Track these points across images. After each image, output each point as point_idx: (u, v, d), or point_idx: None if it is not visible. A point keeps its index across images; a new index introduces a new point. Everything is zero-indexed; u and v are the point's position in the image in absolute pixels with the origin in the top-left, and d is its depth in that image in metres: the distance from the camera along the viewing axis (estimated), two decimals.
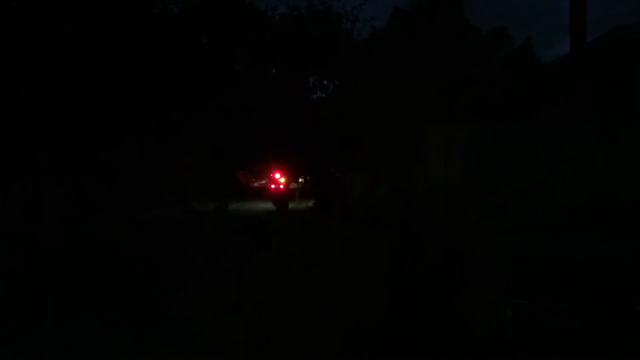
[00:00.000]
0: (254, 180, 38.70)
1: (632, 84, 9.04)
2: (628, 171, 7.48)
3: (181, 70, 15.77)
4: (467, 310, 6.74)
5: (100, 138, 13.03)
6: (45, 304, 7.19)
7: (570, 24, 10.37)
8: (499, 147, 7.93)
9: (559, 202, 7.51)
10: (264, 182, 35.43)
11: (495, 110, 9.93)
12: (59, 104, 12.11)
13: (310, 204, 24.40)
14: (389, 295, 7.65)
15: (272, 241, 10.87)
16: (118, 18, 13.37)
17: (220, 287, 8.14)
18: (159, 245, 11.20)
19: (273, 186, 28.22)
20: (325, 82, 22.21)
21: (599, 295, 6.19)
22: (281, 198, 25.80)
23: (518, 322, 5.99)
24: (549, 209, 7.53)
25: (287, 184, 28.19)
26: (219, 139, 17.55)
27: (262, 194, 31.83)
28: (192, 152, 17.17)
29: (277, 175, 28.07)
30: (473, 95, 11.43)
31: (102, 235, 12.30)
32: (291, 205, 27.08)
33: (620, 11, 66.09)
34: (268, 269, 9.27)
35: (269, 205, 25.63)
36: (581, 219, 7.36)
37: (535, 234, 7.18)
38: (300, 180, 35.80)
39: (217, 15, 17.82)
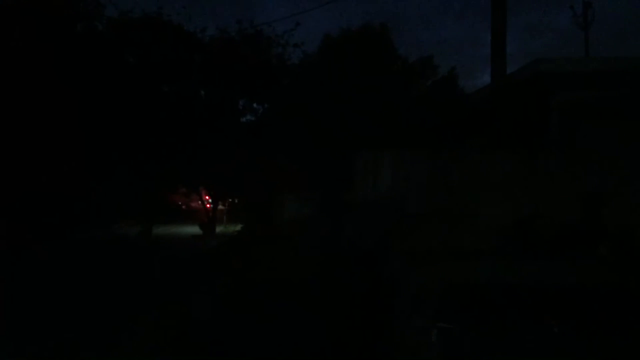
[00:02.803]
0: (181, 202, 37.79)
1: (549, 114, 9.58)
2: (547, 196, 7.88)
3: (107, 90, 15.31)
4: (393, 335, 6.83)
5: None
6: None
7: (491, 56, 10.90)
8: (430, 171, 8.14)
9: (485, 227, 7.78)
10: (192, 204, 34.59)
11: (427, 136, 10.25)
12: None
13: (239, 227, 24.08)
14: (318, 321, 7.65)
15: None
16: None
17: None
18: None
19: (200, 208, 27.63)
20: (255, 105, 22.15)
21: (521, 317, 6.43)
22: (208, 221, 25.31)
23: (443, 346, 6.12)
24: (475, 234, 7.79)
25: (214, 206, 27.65)
26: (147, 160, 17.08)
27: (190, 216, 31.13)
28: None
29: (206, 198, 27.54)
30: (401, 122, 11.76)
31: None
32: (219, 228, 26.59)
33: (541, 44, 70.54)
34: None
35: (195, 229, 25.07)
36: (506, 243, 7.65)
37: (462, 259, 7.39)
38: (228, 201, 35.26)
39: (144, 34, 17.50)
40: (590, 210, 7.80)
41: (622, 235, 7.42)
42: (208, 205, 27.37)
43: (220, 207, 31.35)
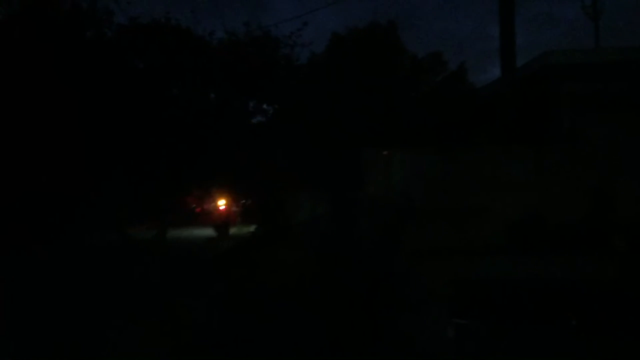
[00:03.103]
0: (195, 205, 37.94)
1: (559, 107, 9.49)
2: (555, 191, 7.81)
3: (116, 95, 15.44)
4: (410, 330, 6.83)
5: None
6: None
7: (500, 49, 10.83)
8: (437, 169, 8.13)
9: (495, 224, 7.74)
10: (206, 206, 34.72)
11: (434, 134, 10.22)
12: None
13: (252, 228, 24.11)
14: (337, 317, 7.68)
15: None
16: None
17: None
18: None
19: (214, 210, 27.73)
20: (265, 106, 22.17)
21: (537, 312, 6.39)
22: (222, 223, 25.36)
23: (460, 342, 6.10)
24: (485, 230, 7.75)
25: (228, 208, 27.73)
26: (159, 164, 17.19)
27: (204, 218, 31.22)
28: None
29: (219, 200, 27.61)
30: (409, 120, 11.73)
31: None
32: (232, 230, 26.64)
33: (549, 37, 69.94)
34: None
35: (209, 232, 25.14)
36: (516, 239, 7.61)
37: (474, 254, 7.37)
38: (242, 202, 35.30)
39: (153, 40, 17.62)
40: (601, 204, 7.72)
41: (636, 227, 7.33)
42: (222, 207, 27.45)
43: (234, 208, 31.44)
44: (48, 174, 12.76)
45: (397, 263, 7.85)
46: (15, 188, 12.28)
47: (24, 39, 13.10)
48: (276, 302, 9.07)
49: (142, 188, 17.34)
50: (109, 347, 7.02)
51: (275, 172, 19.39)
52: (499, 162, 8.15)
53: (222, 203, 27.35)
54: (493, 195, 7.92)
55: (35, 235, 13.48)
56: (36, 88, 12.51)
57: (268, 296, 9.60)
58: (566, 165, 7.91)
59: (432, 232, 7.71)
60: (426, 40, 75.16)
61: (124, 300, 9.20)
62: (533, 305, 6.53)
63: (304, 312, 8.38)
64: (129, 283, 10.86)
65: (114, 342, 7.18)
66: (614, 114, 8.21)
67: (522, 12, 53.48)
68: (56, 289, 9.69)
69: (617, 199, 7.68)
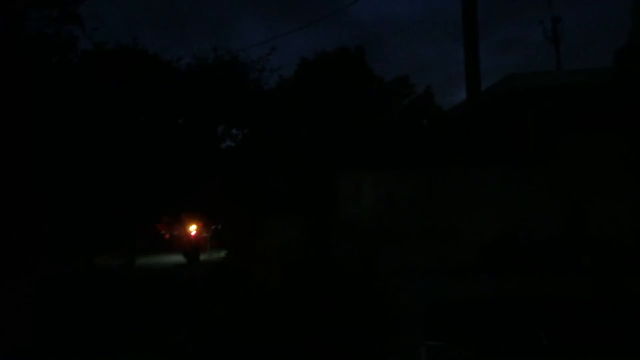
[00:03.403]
0: (164, 231, 37.35)
1: (525, 128, 9.70)
2: (526, 211, 7.94)
3: (81, 122, 15.19)
4: (383, 352, 6.79)
5: None
6: None
7: (465, 72, 11.09)
8: (409, 192, 8.19)
9: (469, 244, 7.82)
10: (176, 232, 34.19)
11: (406, 156, 10.32)
12: None
13: (223, 254, 23.79)
14: (309, 338, 7.61)
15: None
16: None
17: None
18: None
19: (184, 236, 27.34)
20: (234, 130, 22.12)
21: (508, 331, 6.41)
22: (192, 249, 25.01)
23: None
24: (459, 251, 7.82)
25: (198, 234, 27.37)
26: (126, 192, 16.91)
27: (174, 244, 30.74)
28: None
29: (189, 226, 27.24)
30: (380, 143, 11.83)
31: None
32: (203, 256, 26.27)
33: (516, 59, 71.93)
34: None
35: (178, 258, 24.75)
36: (489, 259, 7.68)
37: (448, 275, 7.40)
38: (212, 227, 34.90)
39: (119, 66, 17.47)
40: (570, 222, 7.88)
41: (603, 245, 7.49)
42: (192, 233, 27.09)
43: (204, 234, 31.05)
44: (7, 208, 12.41)
45: (370, 285, 7.84)
46: None
47: None
48: (251, 324, 9.07)
49: (109, 216, 17.02)
50: None
51: (246, 197, 19.27)
52: (471, 182, 8.28)
53: (192, 229, 27.00)
54: (466, 215, 8.02)
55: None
56: None
57: (241, 320, 9.58)
58: (538, 185, 8.07)
59: (405, 253, 7.74)
60: (393, 65, 76.41)
61: (87, 333, 8.99)
62: (505, 325, 6.58)
63: (278, 333, 8.39)
64: (92, 315, 10.62)
65: None
66: (582, 134, 8.44)
67: (487, 36, 55.00)
68: (20, 324, 9.40)
69: (587, 217, 7.85)
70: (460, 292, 7.08)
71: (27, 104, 12.94)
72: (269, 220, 17.48)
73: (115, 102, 17.35)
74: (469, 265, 7.67)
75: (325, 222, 9.84)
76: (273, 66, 21.22)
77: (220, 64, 20.02)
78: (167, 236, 37.86)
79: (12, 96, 12.53)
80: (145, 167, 17.27)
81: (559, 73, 13.14)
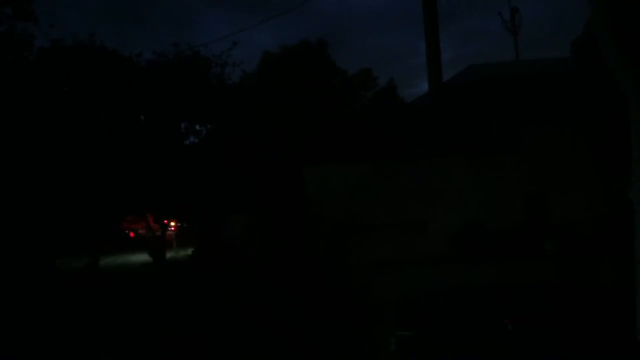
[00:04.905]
0: (128, 230, 36.78)
1: (488, 118, 9.83)
2: (491, 200, 8.07)
3: (40, 121, 14.78)
4: (353, 342, 6.86)
5: None
6: None
7: (427, 64, 11.15)
8: (375, 184, 8.22)
9: (436, 234, 7.91)
10: (140, 231, 33.69)
11: (371, 148, 10.35)
12: None
13: (189, 251, 23.56)
14: (281, 330, 7.65)
15: None
16: None
17: None
18: None
19: (149, 235, 26.95)
20: (197, 126, 21.88)
21: (475, 319, 6.55)
22: (158, 248, 24.65)
23: (402, 352, 6.18)
24: (427, 242, 7.90)
25: (164, 232, 27.00)
26: (87, 191, 16.53)
27: (139, 243, 30.30)
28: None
29: (154, 224, 26.86)
30: (346, 136, 11.85)
31: None
32: (169, 254, 25.97)
33: (477, 49, 73.09)
34: None
35: (144, 257, 24.39)
36: (456, 248, 7.79)
37: (416, 266, 7.48)
38: (178, 225, 34.57)
39: (77, 62, 17.04)
40: (534, 210, 8.04)
41: (566, 232, 7.69)
42: (157, 231, 26.71)
43: (169, 231, 30.71)
44: None
45: (340, 278, 7.87)
46: None
47: None
48: (225, 320, 9.08)
49: (70, 216, 16.63)
50: None
51: (211, 193, 19.09)
52: (436, 173, 8.36)
53: (157, 227, 26.65)
54: (432, 206, 8.10)
55: None
56: None
57: (216, 315, 9.54)
58: (499, 174, 8.21)
59: (373, 246, 7.77)
60: (356, 57, 76.72)
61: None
62: (472, 313, 6.72)
63: (251, 327, 8.48)
64: (53, 319, 10.43)
65: None
66: (544, 123, 8.60)
67: (448, 27, 55.64)
68: None
69: (549, 205, 8.03)
70: (429, 282, 7.18)
71: None
72: (235, 216, 17.35)
73: (74, 100, 16.93)
74: (437, 255, 7.77)
75: (292, 217, 9.82)
76: (236, 61, 21.06)
77: (182, 59, 19.74)
78: (131, 234, 37.30)
79: None
80: (106, 165, 16.91)
81: (520, 63, 13.34)
